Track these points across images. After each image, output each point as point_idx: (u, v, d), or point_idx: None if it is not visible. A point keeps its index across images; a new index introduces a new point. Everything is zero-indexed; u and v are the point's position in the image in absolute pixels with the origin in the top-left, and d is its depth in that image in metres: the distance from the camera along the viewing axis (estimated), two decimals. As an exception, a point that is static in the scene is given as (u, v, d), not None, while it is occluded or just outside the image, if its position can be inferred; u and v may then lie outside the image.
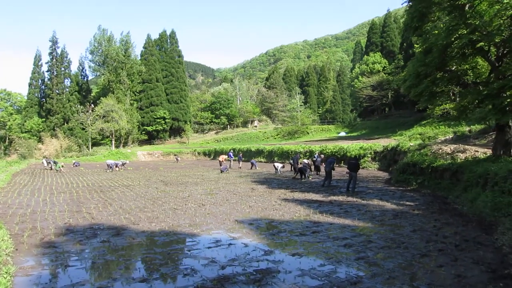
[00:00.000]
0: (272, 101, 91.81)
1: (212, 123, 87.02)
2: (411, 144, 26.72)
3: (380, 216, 10.83)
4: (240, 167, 33.83)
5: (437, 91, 14.31)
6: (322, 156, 28.18)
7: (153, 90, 75.79)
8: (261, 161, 43.22)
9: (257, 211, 11.76)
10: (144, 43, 77.71)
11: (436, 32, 14.70)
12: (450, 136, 29.69)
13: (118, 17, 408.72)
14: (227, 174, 26.89)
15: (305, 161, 25.84)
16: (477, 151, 17.04)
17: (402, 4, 16.56)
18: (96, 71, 75.10)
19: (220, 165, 33.37)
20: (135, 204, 13.48)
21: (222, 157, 34.12)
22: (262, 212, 11.50)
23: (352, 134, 70.24)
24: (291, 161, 32.08)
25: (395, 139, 42.56)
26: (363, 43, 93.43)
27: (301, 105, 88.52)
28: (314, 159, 27.92)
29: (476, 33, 12.38)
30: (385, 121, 71.40)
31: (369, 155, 32.38)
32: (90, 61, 73.76)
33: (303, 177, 22.75)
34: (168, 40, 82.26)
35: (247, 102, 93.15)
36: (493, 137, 22.36)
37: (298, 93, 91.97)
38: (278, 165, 27.11)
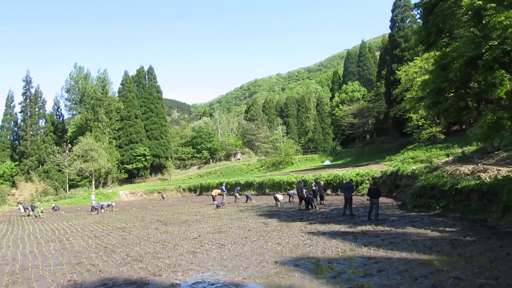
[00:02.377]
0: (253, 133, 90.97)
1: (194, 158, 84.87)
2: (414, 167, 25.89)
3: (435, 245, 9.53)
4: (237, 200, 31.92)
5: (463, 107, 13.38)
6: (322, 183, 26.86)
7: (132, 127, 73.63)
8: (241, 193, 41.44)
9: (291, 249, 10.22)
10: (122, 80, 76.20)
11: (456, 45, 14.06)
12: (450, 158, 29.04)
13: (92, 56, 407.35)
14: (225, 209, 25.14)
15: (314, 188, 24.37)
16: (500, 169, 16.16)
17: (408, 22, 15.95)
18: (72, 110, 72.49)
19: (213, 200, 31.63)
20: (143, 249, 11.67)
21: (215, 192, 32.41)
22: (297, 250, 9.96)
23: (337, 162, 69.61)
24: (290, 192, 30.76)
25: (385, 165, 41.94)
26: (340, 72, 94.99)
27: (283, 136, 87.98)
28: (314, 188, 26.59)
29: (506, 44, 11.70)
30: (369, 147, 71.36)
31: (367, 181, 31.36)
32: (66, 99, 71.27)
33: (309, 207, 21.33)
34: (146, 76, 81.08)
35: (229, 135, 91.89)
36: (502, 156, 21.84)
37: (280, 124, 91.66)
38: (280, 197, 25.60)
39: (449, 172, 18.46)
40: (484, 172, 16.51)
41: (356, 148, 77.06)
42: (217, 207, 26.64)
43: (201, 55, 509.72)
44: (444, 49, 15.03)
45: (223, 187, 34.24)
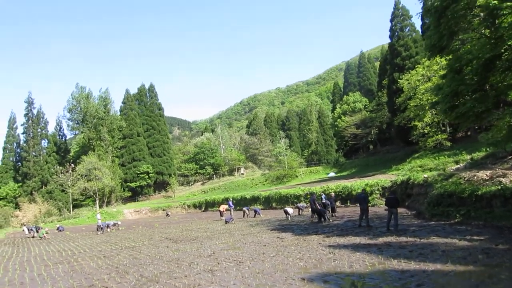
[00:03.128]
0: (256, 147, 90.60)
1: (197, 174, 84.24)
2: (426, 175, 25.35)
3: (468, 255, 8.99)
4: (246, 215, 31.12)
5: (483, 110, 12.95)
6: (333, 194, 26.27)
7: (135, 145, 73.35)
8: (251, 208, 40.74)
9: (314, 264, 9.67)
10: (123, 98, 76.27)
11: (467, 48, 13.74)
12: (461, 165, 28.51)
13: (93, 74, 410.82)
14: (234, 225, 24.52)
15: (325, 201, 23.73)
16: (520, 174, 15.66)
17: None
18: (74, 130, 72.23)
19: (221, 215, 31.04)
20: (157, 269, 11.12)
21: (223, 207, 31.85)
22: (322, 265, 9.42)
23: (342, 174, 68.91)
24: (299, 205, 30.15)
25: (393, 174, 41.45)
26: (340, 84, 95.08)
27: (286, 149, 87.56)
28: (324, 201, 25.96)
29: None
30: (374, 158, 70.71)
31: (377, 192, 30.73)
32: (69, 119, 71.16)
33: (322, 219, 20.76)
34: (147, 94, 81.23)
35: (231, 150, 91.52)
36: (516, 160, 21.29)
37: (283, 137, 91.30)
38: (290, 210, 25.02)
39: (466, 179, 17.92)
40: (504, 177, 16.00)
41: (360, 159, 76.43)
42: (226, 223, 26.03)
43: (200, 72, 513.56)
44: (457, 52, 14.69)
45: (230, 202, 33.66)
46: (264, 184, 73.77)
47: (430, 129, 45.44)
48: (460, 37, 14.69)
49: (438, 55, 15.98)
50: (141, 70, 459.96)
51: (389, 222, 15.13)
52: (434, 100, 17.02)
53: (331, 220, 20.86)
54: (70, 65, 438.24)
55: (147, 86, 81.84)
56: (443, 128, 47.72)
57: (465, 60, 13.48)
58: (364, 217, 17.00)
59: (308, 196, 36.95)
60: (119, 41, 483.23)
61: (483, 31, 14.45)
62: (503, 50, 11.60)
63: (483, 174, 17.47)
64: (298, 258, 10.55)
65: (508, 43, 11.56)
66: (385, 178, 34.89)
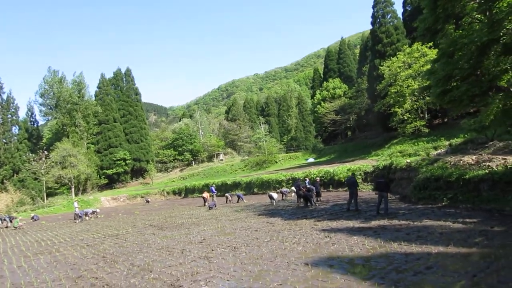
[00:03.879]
0: (235, 133, 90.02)
1: (175, 161, 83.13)
2: (408, 160, 25.57)
3: (467, 238, 8.99)
4: (229, 201, 30.70)
5: (477, 94, 12.88)
6: (318, 179, 26.16)
7: (111, 131, 71.40)
8: (233, 194, 40.43)
9: (313, 248, 9.44)
10: (99, 83, 73.78)
11: (460, 32, 13.63)
12: (442, 150, 29.01)
13: (66, 59, 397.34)
14: (218, 210, 24.14)
15: (309, 186, 23.42)
16: (506, 158, 15.83)
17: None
18: (47, 115, 69.49)
19: (205, 202, 30.61)
20: (148, 257, 10.65)
21: (206, 194, 31.40)
22: (322, 250, 9.19)
23: (321, 160, 69.42)
24: (282, 190, 29.99)
25: (372, 160, 41.82)
26: (320, 70, 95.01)
27: (266, 135, 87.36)
28: (308, 186, 25.83)
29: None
30: (352, 143, 71.51)
31: (359, 176, 30.86)
32: (41, 104, 68.26)
33: (308, 204, 20.64)
34: (124, 79, 78.91)
35: (210, 136, 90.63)
36: (498, 145, 21.69)
37: (262, 123, 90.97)
38: (275, 195, 24.80)
39: (452, 163, 18.06)
40: (490, 162, 16.17)
41: (339, 145, 77.13)
42: (209, 209, 25.64)
43: (177, 57, 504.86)
44: (451, 36, 14.56)
45: (213, 188, 33.28)
46: (243, 170, 73.54)
47: (409, 115, 46.00)
48: (455, 21, 14.54)
49: (430, 39, 15.80)
50: (116, 56, 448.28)
51: (379, 206, 15.09)
52: (425, 84, 16.88)
53: (317, 205, 20.76)
54: (42, 48, 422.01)
55: (123, 71, 79.53)
56: (421, 115, 48.42)
57: (460, 44, 13.35)
58: (352, 201, 16.94)
59: (290, 182, 36.99)
60: (93, 26, 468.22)
61: (477, 16, 14.39)
62: (501, 34, 11.46)
63: (469, 158, 17.64)
64: (294, 243, 10.29)
65: (507, 27, 11.44)
66: (366, 163, 35.14)
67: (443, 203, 15.74)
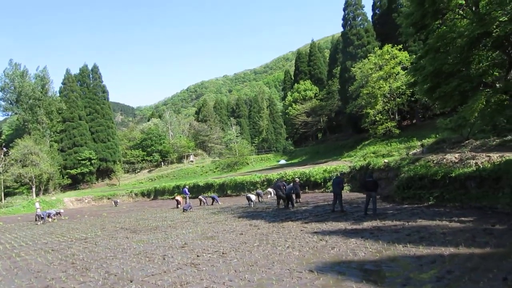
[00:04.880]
0: (206, 134, 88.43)
1: (144, 162, 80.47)
2: (386, 160, 25.44)
3: (473, 237, 8.55)
4: (203, 204, 29.51)
5: (468, 89, 12.56)
6: (297, 180, 25.49)
7: (76, 129, 68.19)
8: (208, 196, 39.25)
9: (312, 253, 8.65)
10: (63, 79, 70.26)
11: (444, 28, 13.41)
12: (418, 150, 29.14)
13: (28, 53, 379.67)
14: (194, 213, 23.01)
15: (290, 185, 22.58)
16: (489, 156, 15.73)
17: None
18: (7, 110, 65.25)
19: (178, 204, 29.33)
20: (125, 264, 9.49)
21: (180, 197, 30.13)
22: (322, 254, 8.42)
23: (293, 161, 69.32)
24: (258, 191, 29.12)
25: (346, 161, 41.87)
26: (291, 72, 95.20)
27: (237, 136, 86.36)
28: (288, 186, 25.08)
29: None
30: (324, 145, 71.78)
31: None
32: (0, 99, 64.08)
33: (290, 206, 19.94)
34: (91, 75, 75.66)
35: (180, 136, 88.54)
36: (475, 144, 21.80)
37: (234, 124, 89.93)
38: (253, 197, 23.94)
39: (435, 162, 17.88)
40: (473, 159, 16.03)
41: (310, 147, 77.31)
42: (184, 211, 24.42)
43: (145, 56, 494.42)
44: (437, 31, 14.27)
45: (186, 189, 32.01)
46: (214, 172, 72.25)
47: (381, 116, 46.46)
48: (441, 16, 14.24)
49: (416, 35, 15.49)
50: (82, 54, 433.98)
51: (367, 206, 14.58)
52: (411, 81, 16.55)
53: (295, 206, 20.12)
54: (2, 40, 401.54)
55: (90, 67, 76.27)
56: (392, 116, 49.08)
57: (449, 39, 13.04)
58: (337, 202, 16.37)
59: (265, 183, 36.26)
60: (60, 21, 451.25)
61: (460, 11, 14.18)
62: (494, 27, 11.17)
63: (452, 156, 17.50)
64: (288, 247, 9.47)
65: (500, 19, 11.15)
66: (341, 164, 34.96)
67: (430, 202, 15.46)
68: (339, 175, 19.35)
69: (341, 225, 12.19)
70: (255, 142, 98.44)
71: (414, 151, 29.64)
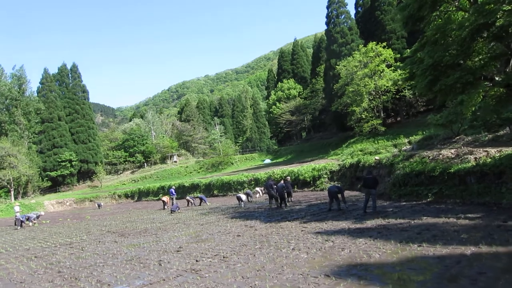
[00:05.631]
0: (189, 134, 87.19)
1: (126, 162, 78.67)
2: (377, 158, 25.19)
3: (490, 235, 8.09)
4: (191, 204, 28.68)
5: (470, 81, 12.23)
6: (288, 178, 24.94)
7: (56, 130, 66.01)
8: (196, 196, 38.42)
9: (322, 255, 8.09)
10: (41, 78, 67.94)
11: (439, 21, 13.15)
12: (408, 147, 29.06)
13: (5, 53, 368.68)
14: (182, 214, 22.22)
15: (281, 182, 21.93)
16: (487, 151, 15.53)
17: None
18: (-18, 111, 62.95)
19: (164, 205, 28.44)
20: (118, 271, 8.72)
21: (166, 198, 29.21)
22: (333, 256, 7.86)
23: (278, 160, 68.89)
24: (247, 191, 28.47)
25: (332, 159, 41.62)
26: (274, 71, 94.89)
27: (221, 136, 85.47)
28: (279, 184, 24.48)
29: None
30: (308, 144, 71.65)
31: (325, 176, 30.25)
32: (-25, 99, 61.55)
33: (282, 205, 19.40)
34: (70, 75, 73.41)
35: (163, 137, 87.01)
36: (467, 139, 21.72)
37: (217, 124, 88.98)
38: (244, 197, 23.28)
39: (430, 158, 17.62)
40: (471, 154, 15.80)
41: (295, 145, 77.10)
42: (171, 212, 23.61)
43: (125, 56, 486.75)
44: (435, 22, 13.98)
45: (173, 190, 31.11)
46: (199, 172, 71.27)
47: (367, 114, 46.46)
48: (438, 7, 13.94)
49: (412, 27, 15.08)
50: (60, 54, 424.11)
51: (366, 204, 14.13)
52: (406, 75, 16.20)
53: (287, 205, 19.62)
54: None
55: (69, 66, 74.07)
56: (377, 114, 49.16)
57: (449, 30, 12.72)
58: (334, 201, 15.89)
59: (253, 183, 35.65)
60: (35, 19, 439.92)
61: (456, 3, 13.94)
62: (498, 16, 10.86)
63: (448, 152, 17.27)
64: (294, 249, 8.89)
65: (504, 9, 10.86)
66: (329, 162, 34.63)
67: (428, 199, 15.15)
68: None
69: (343, 224, 11.70)
70: (239, 141, 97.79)
71: (404, 148, 29.56)
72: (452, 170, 14.84)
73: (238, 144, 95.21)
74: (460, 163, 15.43)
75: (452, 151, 17.29)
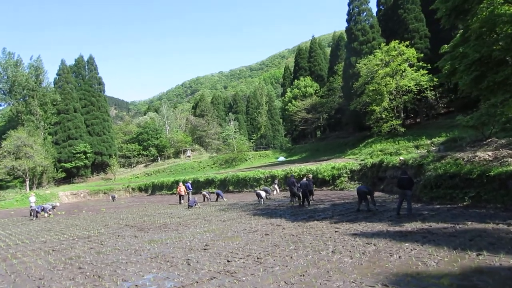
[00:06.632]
0: (203, 129, 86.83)
1: (140, 156, 78.71)
2: (401, 158, 24.26)
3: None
4: (207, 200, 28.11)
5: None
6: (310, 176, 24.08)
7: (71, 121, 66.25)
8: (212, 192, 37.91)
9: (370, 261, 7.34)
10: (58, 70, 68.19)
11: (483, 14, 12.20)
12: (434, 148, 27.97)
13: (23, 42, 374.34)
14: (200, 209, 21.63)
15: (304, 180, 21.10)
16: (529, 154, 14.58)
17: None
18: (0, 101, 63.34)
19: (181, 199, 27.93)
20: (143, 270, 8.11)
21: (183, 188, 28.62)
22: (382, 262, 7.11)
23: (292, 158, 68.04)
24: (266, 188, 27.78)
25: (350, 158, 40.62)
26: (290, 68, 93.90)
27: (235, 132, 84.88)
28: (302, 182, 23.61)
29: None
30: (324, 143, 70.56)
31: (345, 175, 29.43)
32: (-7, 89, 62.04)
33: (305, 203, 18.67)
34: (86, 67, 73.58)
35: (177, 131, 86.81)
36: (500, 142, 20.61)
37: (232, 119, 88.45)
38: (263, 193, 22.57)
39: (466, 159, 16.66)
40: (511, 158, 14.83)
41: (310, 144, 76.11)
42: (189, 207, 23.08)
43: (140, 51, 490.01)
44: (478, 16, 13.02)
45: (189, 185, 30.55)
46: (212, 168, 70.83)
47: (387, 114, 45.30)
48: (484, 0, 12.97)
49: (454, 20, 14.13)
50: (76, 47, 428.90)
51: (400, 206, 13.29)
52: (448, 70, 15.25)
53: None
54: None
55: (86, 58, 74.18)
56: (397, 114, 47.93)
57: (499, 22, 11.78)
58: (363, 202, 15.08)
59: (269, 179, 34.94)
60: (52, 12, 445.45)
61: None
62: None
63: (485, 154, 16.31)
64: (334, 252, 8.15)
65: None
66: (351, 161, 33.70)
67: (465, 203, 14.22)
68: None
69: (379, 226, 10.92)
70: (253, 138, 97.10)
71: (432, 148, 28.48)
72: (492, 173, 13.90)
73: (252, 140, 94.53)
74: (500, 166, 14.48)
75: (490, 153, 16.32)
